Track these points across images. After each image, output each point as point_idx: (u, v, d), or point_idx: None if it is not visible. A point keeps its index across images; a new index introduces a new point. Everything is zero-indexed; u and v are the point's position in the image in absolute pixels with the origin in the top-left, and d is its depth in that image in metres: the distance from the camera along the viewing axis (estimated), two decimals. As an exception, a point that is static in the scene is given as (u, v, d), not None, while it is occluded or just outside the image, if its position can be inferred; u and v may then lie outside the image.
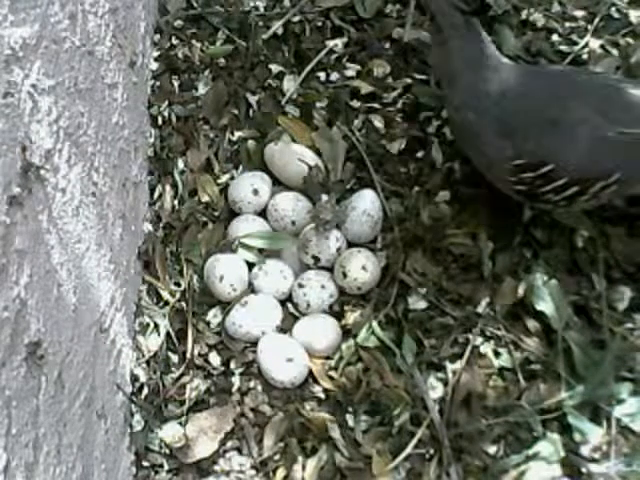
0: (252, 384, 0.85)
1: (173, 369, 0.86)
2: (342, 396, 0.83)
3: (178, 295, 0.89)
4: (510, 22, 1.00)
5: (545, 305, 0.83)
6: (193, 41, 1.02)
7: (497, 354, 0.84)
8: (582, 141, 0.77)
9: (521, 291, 0.85)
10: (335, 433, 0.81)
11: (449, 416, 0.81)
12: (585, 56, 0.98)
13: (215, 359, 0.87)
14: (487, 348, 0.84)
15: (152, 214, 0.93)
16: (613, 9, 1.01)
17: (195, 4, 1.04)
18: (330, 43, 1.00)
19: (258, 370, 0.86)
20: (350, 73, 0.99)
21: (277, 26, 1.01)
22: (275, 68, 1.00)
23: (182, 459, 0.83)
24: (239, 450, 0.83)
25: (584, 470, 0.77)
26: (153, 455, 0.83)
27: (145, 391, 0.85)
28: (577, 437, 0.79)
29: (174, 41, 1.02)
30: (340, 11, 1.02)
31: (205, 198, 0.94)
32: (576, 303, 0.84)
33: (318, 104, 0.97)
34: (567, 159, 0.77)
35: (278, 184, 0.94)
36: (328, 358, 0.86)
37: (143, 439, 0.83)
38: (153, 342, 0.87)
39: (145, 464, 0.83)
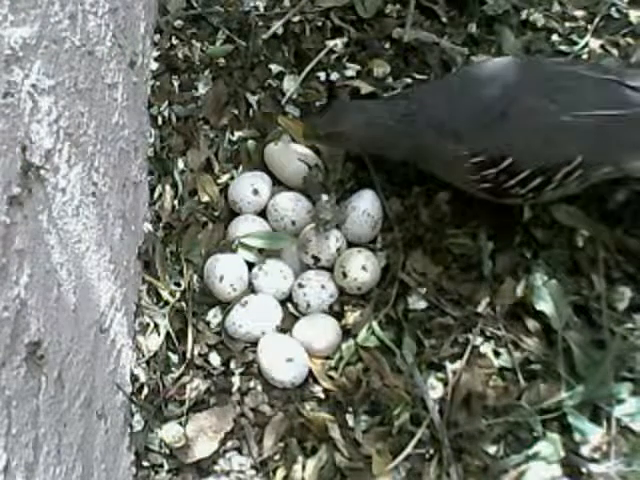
0: (252, 384, 0.85)
1: (173, 369, 0.86)
2: (342, 396, 0.83)
3: (178, 295, 0.89)
4: (510, 22, 1.00)
5: (545, 305, 0.83)
6: (193, 41, 1.02)
7: (497, 354, 0.84)
8: (536, 130, 0.77)
9: (521, 291, 0.85)
10: (335, 433, 0.81)
11: (449, 416, 0.81)
12: (585, 56, 0.98)
13: (215, 359, 0.87)
14: (487, 348, 0.84)
15: (152, 214, 0.93)
16: (613, 9, 1.01)
17: (195, 4, 1.04)
18: (330, 43, 1.00)
19: (258, 370, 0.86)
20: (350, 73, 0.99)
21: (277, 26, 1.01)
22: (275, 68, 0.99)
23: (182, 459, 0.83)
24: (239, 450, 0.83)
25: (584, 470, 0.77)
26: (153, 455, 0.83)
27: (145, 391, 0.85)
28: (577, 437, 0.79)
29: (174, 41, 1.02)
30: (340, 11, 1.02)
31: (205, 198, 0.94)
32: (576, 303, 0.84)
33: (318, 104, 0.97)
34: (524, 150, 0.77)
35: (278, 184, 0.94)
36: (328, 358, 0.86)
37: (143, 439, 0.84)
38: (153, 342, 0.87)
39: (145, 464, 0.83)
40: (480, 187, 0.80)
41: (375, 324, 0.85)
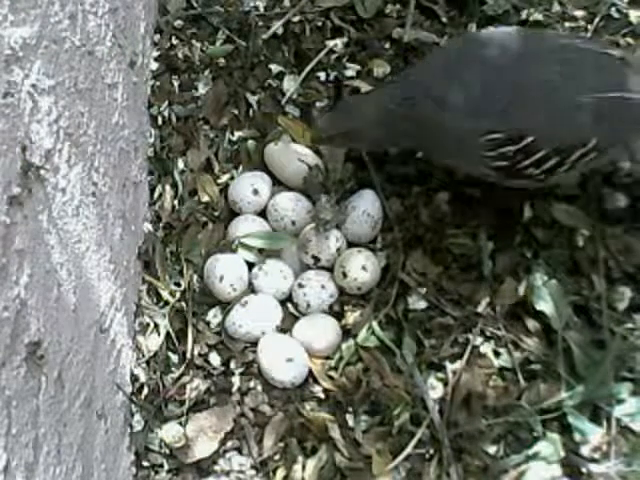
0: (252, 384, 0.85)
1: (173, 369, 0.86)
2: (342, 396, 0.83)
3: (178, 295, 0.89)
4: (510, 22, 1.00)
5: (545, 305, 0.83)
6: (193, 41, 1.02)
7: (497, 354, 0.84)
8: (556, 110, 0.77)
9: (521, 291, 0.85)
10: (335, 433, 0.81)
11: (449, 416, 0.81)
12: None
13: (215, 359, 0.87)
14: (487, 348, 0.84)
15: (152, 214, 0.93)
16: (613, 9, 1.01)
17: (195, 4, 1.04)
18: (330, 43, 1.00)
19: (258, 370, 0.86)
20: (350, 73, 0.99)
21: (277, 26, 1.01)
22: (275, 68, 1.00)
23: (182, 459, 0.83)
24: (239, 450, 0.83)
25: (584, 470, 0.77)
26: (153, 455, 0.83)
27: (145, 391, 0.85)
28: (577, 437, 0.79)
29: (174, 41, 1.02)
30: (340, 11, 1.02)
31: (205, 198, 0.94)
32: (576, 303, 0.84)
33: (318, 104, 0.97)
34: (543, 129, 0.77)
35: (278, 184, 0.94)
36: (328, 358, 0.86)
37: (143, 439, 0.84)
38: (153, 342, 0.87)
39: (145, 464, 0.83)
40: (494, 165, 0.80)
41: (375, 324, 0.85)
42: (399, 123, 0.82)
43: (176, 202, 0.94)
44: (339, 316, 0.87)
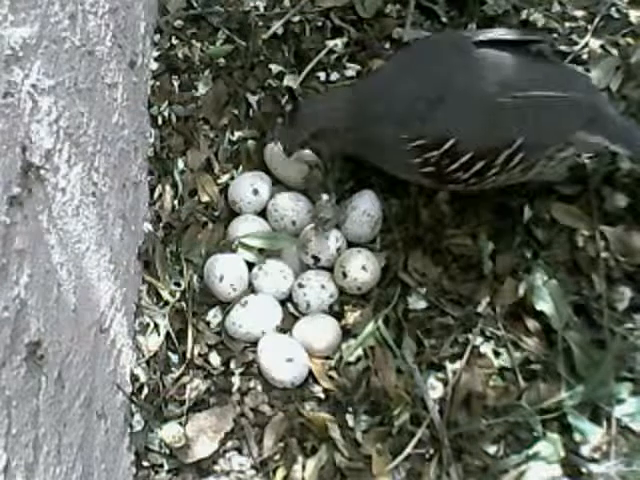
0: (252, 384, 0.85)
1: (173, 369, 0.86)
2: (342, 396, 0.83)
3: (178, 295, 0.89)
4: (510, 22, 1.00)
5: (545, 305, 0.83)
6: (193, 41, 1.02)
7: (497, 354, 0.84)
8: (475, 111, 0.78)
9: (521, 291, 0.85)
10: (335, 433, 0.81)
11: (449, 416, 0.81)
12: (585, 56, 0.98)
13: (215, 359, 0.87)
14: (487, 348, 0.84)
15: (152, 214, 0.93)
16: (613, 9, 1.01)
17: (195, 4, 1.04)
18: (330, 43, 1.00)
19: (258, 370, 0.86)
20: (350, 73, 0.99)
21: (277, 26, 1.01)
22: (275, 68, 1.00)
23: (182, 459, 0.83)
24: (239, 450, 0.83)
25: (584, 470, 0.77)
26: (153, 455, 0.83)
27: (145, 391, 0.85)
28: (577, 437, 0.78)
29: (174, 41, 1.02)
30: (340, 11, 1.02)
31: (205, 198, 0.94)
32: (576, 303, 0.84)
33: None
34: (465, 132, 0.77)
35: (278, 184, 0.94)
36: (328, 358, 0.86)
37: (143, 439, 0.84)
38: (153, 342, 0.87)
39: (145, 464, 0.83)
40: (422, 171, 0.80)
41: (380, 323, 0.85)
42: (345, 134, 0.85)
43: (176, 202, 0.94)
44: (339, 316, 0.87)
